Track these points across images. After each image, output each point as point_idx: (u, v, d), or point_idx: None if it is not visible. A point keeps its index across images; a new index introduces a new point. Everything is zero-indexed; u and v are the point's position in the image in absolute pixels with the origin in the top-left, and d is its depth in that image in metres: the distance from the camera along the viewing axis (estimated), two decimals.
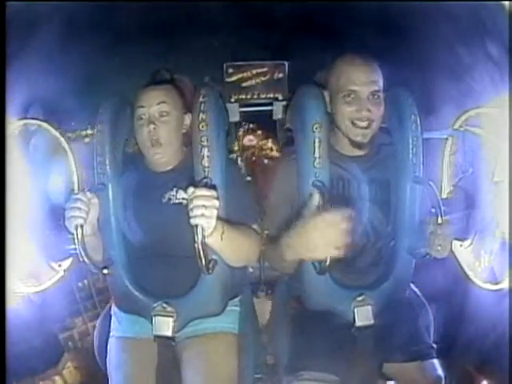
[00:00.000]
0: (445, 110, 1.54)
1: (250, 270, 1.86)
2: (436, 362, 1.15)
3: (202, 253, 0.91)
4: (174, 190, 1.16)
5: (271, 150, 2.41)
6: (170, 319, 1.13)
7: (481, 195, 1.50)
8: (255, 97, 2.18)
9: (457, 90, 1.45)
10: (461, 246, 1.59)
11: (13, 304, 1.49)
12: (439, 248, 1.04)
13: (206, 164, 1.09)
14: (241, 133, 2.34)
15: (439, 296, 1.38)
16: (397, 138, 1.16)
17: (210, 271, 0.99)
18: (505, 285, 1.46)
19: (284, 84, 2.16)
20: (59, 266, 1.65)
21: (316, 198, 0.96)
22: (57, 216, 1.35)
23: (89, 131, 1.95)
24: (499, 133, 1.40)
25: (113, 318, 1.25)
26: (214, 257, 1.03)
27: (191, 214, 0.89)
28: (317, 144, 1.06)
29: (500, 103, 1.31)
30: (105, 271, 1.11)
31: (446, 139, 1.63)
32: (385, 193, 1.16)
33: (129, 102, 1.20)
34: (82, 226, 1.00)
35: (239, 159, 2.34)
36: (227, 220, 1.02)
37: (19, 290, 1.56)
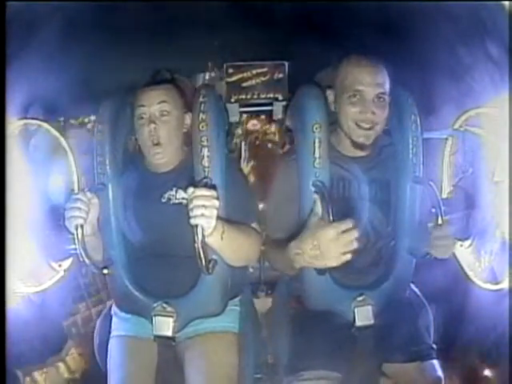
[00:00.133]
0: (445, 110, 1.55)
1: (250, 270, 1.86)
2: (436, 362, 1.15)
3: (201, 253, 0.91)
4: (174, 189, 1.16)
5: (275, 134, 2.41)
6: (170, 319, 1.13)
7: (481, 195, 1.50)
8: (255, 97, 2.17)
9: (457, 90, 1.45)
10: (461, 245, 1.60)
11: (13, 304, 1.49)
12: (441, 248, 1.03)
13: (206, 164, 1.09)
14: (244, 118, 2.33)
15: (439, 296, 1.38)
16: (397, 138, 1.16)
17: (210, 271, 0.99)
18: (505, 285, 1.46)
19: (284, 84, 2.16)
20: (59, 265, 1.66)
21: (319, 205, 0.96)
22: (57, 216, 1.35)
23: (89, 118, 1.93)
24: (499, 133, 1.40)
25: (113, 317, 1.24)
26: (214, 257, 1.03)
27: (191, 213, 0.89)
28: (317, 144, 1.06)
29: (500, 103, 1.31)
30: (105, 271, 1.11)
31: (446, 139, 1.64)
32: (385, 193, 1.16)
33: (129, 101, 1.20)
34: (82, 226, 1.00)
35: (243, 143, 2.35)
36: (227, 220, 1.02)
37: (19, 290, 1.57)
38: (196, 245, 0.90)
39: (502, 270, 1.49)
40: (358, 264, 1.15)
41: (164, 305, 1.14)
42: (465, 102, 1.51)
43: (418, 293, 1.29)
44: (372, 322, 1.12)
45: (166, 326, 1.13)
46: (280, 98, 2.17)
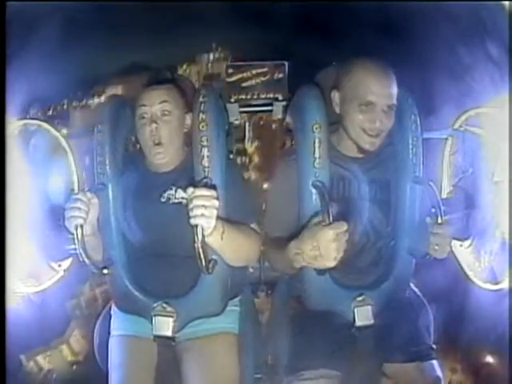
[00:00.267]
0: (445, 110, 1.55)
1: (250, 270, 1.87)
2: (435, 362, 1.15)
3: (201, 253, 0.91)
4: (174, 189, 1.16)
5: None
6: (170, 319, 1.13)
7: (481, 195, 1.51)
8: (255, 97, 2.18)
9: (457, 90, 1.45)
10: (461, 246, 1.60)
11: (13, 304, 1.49)
12: (437, 248, 1.03)
13: (206, 164, 1.09)
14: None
15: (439, 296, 1.38)
16: (397, 138, 1.16)
17: (210, 271, 0.99)
18: (505, 285, 1.46)
19: (284, 84, 2.16)
20: (59, 266, 1.66)
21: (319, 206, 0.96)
22: (57, 216, 1.35)
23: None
24: (499, 133, 1.40)
25: (113, 317, 1.24)
26: (214, 257, 1.03)
27: (191, 213, 0.89)
28: (317, 144, 1.06)
29: (500, 103, 1.31)
30: (105, 271, 1.11)
31: (446, 139, 1.63)
32: (385, 193, 1.16)
33: (129, 101, 1.20)
34: (81, 226, 1.00)
35: (247, 124, 2.35)
36: (227, 220, 1.02)
37: (19, 290, 1.57)
38: (196, 245, 0.90)
39: (502, 270, 1.49)
40: (357, 264, 1.16)
41: (164, 305, 1.14)
42: (465, 101, 1.51)
43: (418, 293, 1.29)
44: (372, 321, 1.12)
45: (165, 325, 1.13)
46: (280, 97, 2.17)
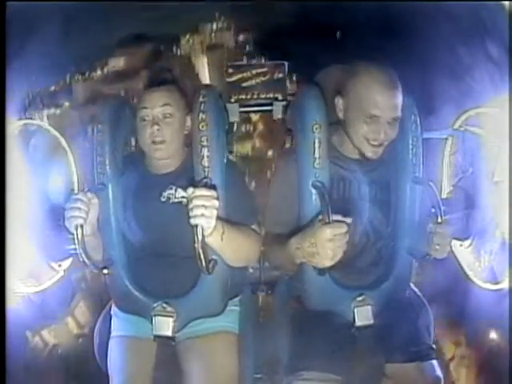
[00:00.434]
0: (445, 109, 1.55)
1: (250, 270, 1.86)
2: (435, 362, 1.15)
3: (201, 253, 0.91)
4: (173, 188, 1.16)
5: None
6: (170, 319, 1.13)
7: (481, 195, 1.51)
8: (255, 97, 2.17)
9: (457, 90, 1.45)
10: (461, 245, 1.60)
11: (13, 304, 1.49)
12: (437, 248, 1.03)
13: (206, 164, 1.09)
14: None
15: (439, 296, 1.38)
16: (397, 138, 1.16)
17: (210, 271, 0.99)
18: (505, 285, 1.46)
19: (284, 84, 2.16)
20: (59, 265, 1.66)
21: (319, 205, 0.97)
22: (57, 216, 1.35)
23: None
24: (499, 133, 1.40)
25: (113, 318, 1.24)
26: (214, 257, 1.03)
27: (191, 213, 0.89)
28: (317, 144, 1.06)
29: (500, 103, 1.32)
30: (105, 271, 1.11)
31: (446, 139, 1.63)
32: (385, 193, 1.16)
33: (129, 102, 1.20)
34: (81, 226, 1.00)
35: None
36: (227, 220, 1.02)
37: (19, 289, 1.57)
38: (196, 245, 0.90)
39: (502, 269, 1.49)
40: (357, 264, 1.16)
41: (164, 305, 1.14)
42: (465, 101, 1.51)
43: (418, 293, 1.29)
44: (372, 322, 1.12)
45: (165, 325, 1.13)
46: (280, 97, 2.17)
